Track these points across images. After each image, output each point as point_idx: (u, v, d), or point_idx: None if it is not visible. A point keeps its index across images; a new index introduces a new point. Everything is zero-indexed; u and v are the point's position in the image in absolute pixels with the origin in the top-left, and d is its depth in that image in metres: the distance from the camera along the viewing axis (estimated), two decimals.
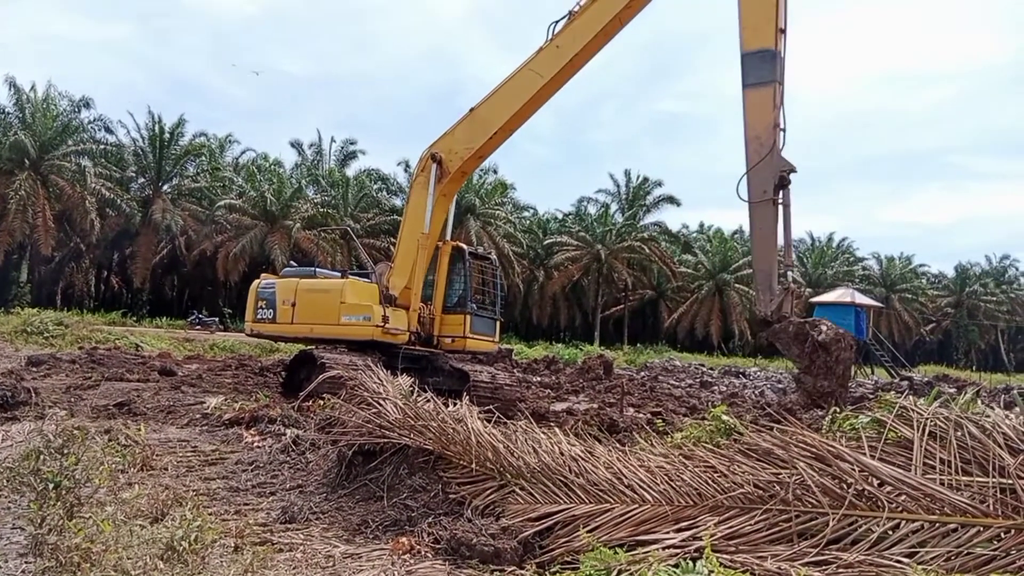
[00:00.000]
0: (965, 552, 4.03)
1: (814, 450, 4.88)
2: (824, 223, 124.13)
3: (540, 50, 14.15)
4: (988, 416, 4.71)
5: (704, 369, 34.30)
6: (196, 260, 50.74)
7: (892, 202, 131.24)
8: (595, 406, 15.41)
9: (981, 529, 4.12)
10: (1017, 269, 78.22)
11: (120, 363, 17.84)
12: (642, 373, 28.02)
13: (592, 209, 63.75)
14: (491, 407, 7.24)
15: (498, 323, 16.41)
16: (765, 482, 4.89)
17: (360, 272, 16.74)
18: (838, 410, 5.83)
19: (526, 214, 64.10)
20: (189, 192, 51.08)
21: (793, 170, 11.94)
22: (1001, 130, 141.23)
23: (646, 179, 62.39)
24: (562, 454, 5.88)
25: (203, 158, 52.80)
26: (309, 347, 14.70)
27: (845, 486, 4.59)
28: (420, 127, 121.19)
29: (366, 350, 14.06)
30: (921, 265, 76.69)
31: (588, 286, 60.90)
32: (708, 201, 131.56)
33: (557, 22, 13.99)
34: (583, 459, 5.70)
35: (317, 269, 16.50)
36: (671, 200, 61.05)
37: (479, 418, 6.42)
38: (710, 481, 5.08)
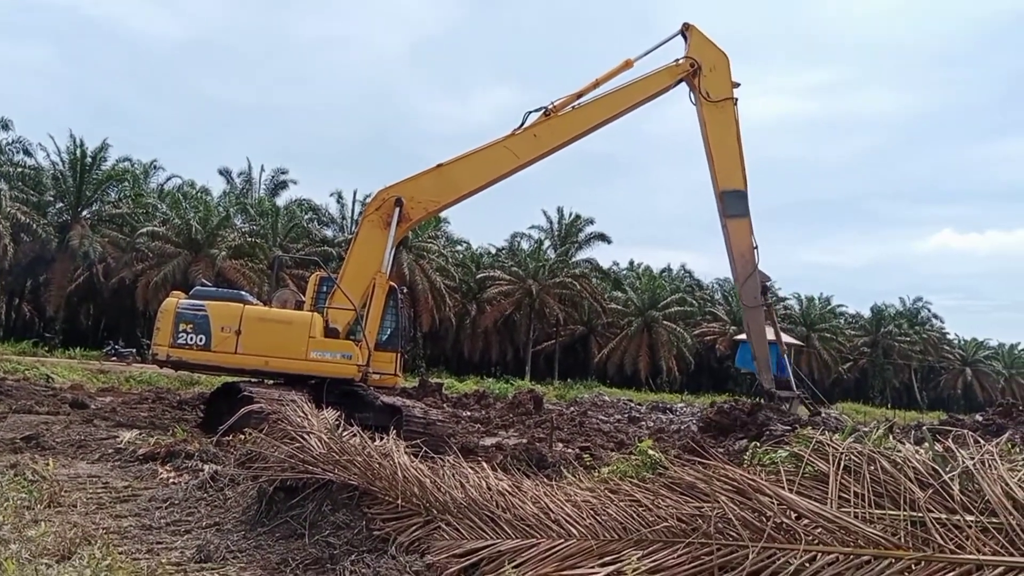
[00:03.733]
0: None
1: (735, 484, 4.96)
2: None
3: (515, 133, 15.15)
4: (899, 451, 4.89)
5: (632, 404, 34.64)
6: (114, 288, 48.89)
7: (810, 245, 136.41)
8: (524, 441, 15.42)
9: (893, 561, 4.25)
10: (929, 311, 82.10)
11: (29, 395, 16.99)
12: (572, 408, 28.14)
13: (525, 245, 64.38)
14: (421, 442, 7.17)
15: (403, 358, 16.61)
16: (688, 516, 4.95)
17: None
18: (757, 444, 5.98)
19: (459, 248, 64.18)
20: (110, 218, 49.34)
21: (769, 279, 16.73)
22: (914, 179, 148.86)
23: (578, 216, 63.44)
24: (489, 489, 5.83)
25: (126, 184, 51.16)
26: (233, 380, 14.29)
27: (764, 519, 4.69)
28: (354, 160, 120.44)
29: (295, 384, 13.77)
30: (839, 305, 79.72)
31: (520, 321, 61.11)
32: (638, 240, 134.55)
33: (532, 112, 15.46)
34: (510, 494, 5.67)
35: (244, 294, 16.09)
36: (602, 238, 62.20)
37: (406, 452, 6.34)
38: (635, 515, 5.11)
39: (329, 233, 54.92)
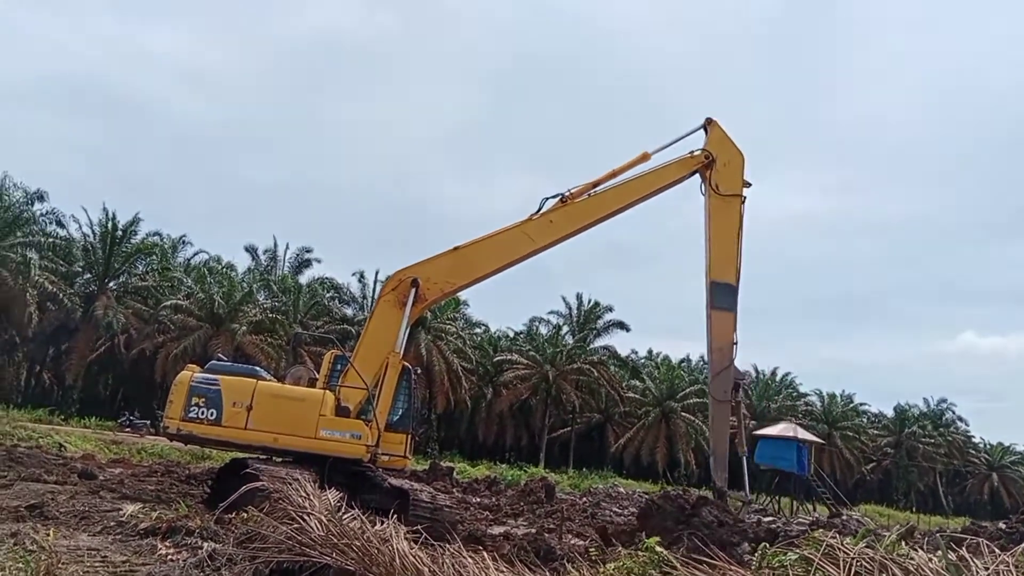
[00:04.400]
0: None
1: None
2: (769, 358, 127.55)
3: (532, 218, 15.55)
4: (912, 558, 4.74)
5: (647, 498, 33.79)
6: (134, 359, 49.24)
7: (832, 341, 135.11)
8: (533, 531, 15.04)
9: None
10: (953, 413, 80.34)
11: (40, 463, 16.94)
12: (584, 499, 27.51)
13: (543, 329, 64.37)
14: (423, 528, 7.03)
15: (414, 440, 16.51)
16: None
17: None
18: (767, 545, 5.81)
19: (477, 330, 64.25)
20: (135, 290, 50.18)
21: (743, 377, 16.40)
22: (936, 279, 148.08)
23: (597, 303, 63.56)
24: None
25: (154, 257, 52.22)
26: (244, 456, 14.17)
27: None
28: (377, 241, 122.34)
29: (305, 462, 13.63)
30: (862, 404, 78.29)
31: (536, 406, 60.50)
32: (657, 329, 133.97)
33: (549, 198, 15.88)
34: None
35: (258, 369, 16.14)
36: (621, 325, 62.04)
37: (406, 538, 6.21)
38: None
39: (349, 312, 55.32)
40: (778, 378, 73.68)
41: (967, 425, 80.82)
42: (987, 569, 4.32)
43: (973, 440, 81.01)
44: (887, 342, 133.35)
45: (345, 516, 6.70)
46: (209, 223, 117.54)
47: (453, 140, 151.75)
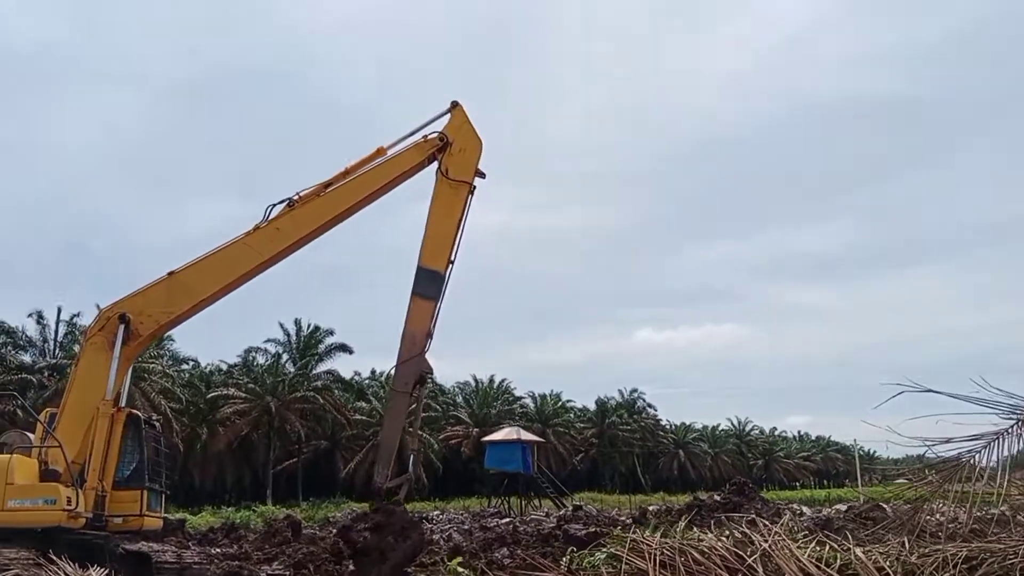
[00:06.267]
0: None
1: None
2: (486, 366, 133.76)
3: (258, 228, 14.24)
4: (703, 541, 5.45)
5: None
6: None
7: (536, 345, 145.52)
8: (289, 572, 14.48)
9: None
10: (644, 400, 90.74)
11: None
12: (328, 529, 26.75)
13: (261, 359, 61.30)
14: None
15: (164, 496, 15.27)
16: None
17: None
18: (574, 549, 6.27)
19: (186, 367, 59.52)
20: None
21: (431, 371, 14.92)
22: (614, 285, 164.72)
23: (317, 328, 62.01)
24: None
25: None
26: None
27: None
28: (52, 275, 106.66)
29: (14, 539, 11.74)
30: (569, 400, 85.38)
31: (258, 440, 57.48)
32: (378, 347, 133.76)
33: (276, 204, 14.50)
34: None
35: None
36: (344, 348, 61.14)
37: None
38: None
39: (27, 359, 48.36)
40: (495, 384, 77.72)
41: (655, 410, 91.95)
42: (766, 541, 5.12)
43: (661, 423, 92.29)
44: (582, 342, 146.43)
45: None
46: None
47: (120, 147, 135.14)
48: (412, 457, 15.55)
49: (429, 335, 14.59)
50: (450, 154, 15.13)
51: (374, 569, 11.52)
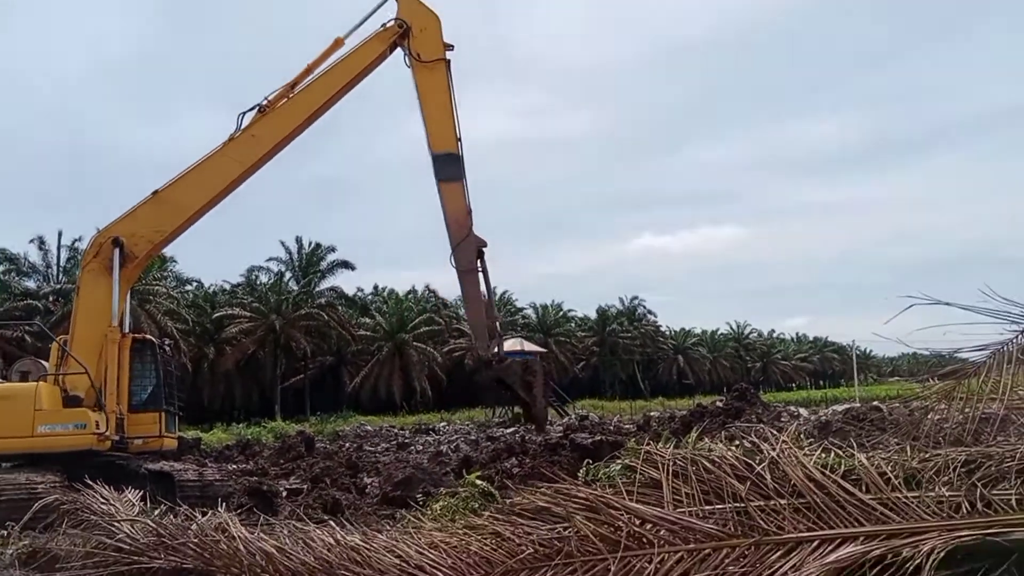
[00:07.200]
0: (722, 573, 4.79)
1: (585, 501, 5.41)
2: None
3: (233, 138, 14.17)
4: (714, 451, 5.64)
5: (396, 431, 34.70)
6: None
7: (537, 257, 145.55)
8: (307, 486, 15.01)
9: (730, 550, 4.93)
10: (645, 307, 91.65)
11: None
12: (339, 443, 27.55)
13: (265, 278, 61.74)
14: (243, 503, 6.81)
15: (177, 416, 15.57)
16: (547, 539, 5.30)
17: None
18: (590, 461, 6.50)
19: (190, 287, 59.93)
20: None
21: (485, 244, 16.03)
22: (609, 191, 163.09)
23: (319, 245, 62.15)
24: (338, 544, 5.73)
25: None
26: None
27: (616, 530, 5.17)
28: (52, 199, 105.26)
29: (41, 463, 12.14)
30: (570, 310, 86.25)
31: (265, 358, 58.37)
32: (380, 262, 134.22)
33: (246, 112, 14.45)
34: (365, 548, 5.63)
35: None
36: (346, 265, 61.49)
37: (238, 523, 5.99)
38: (497, 548, 5.35)
39: (31, 284, 48.59)
40: (498, 296, 78.29)
41: (656, 317, 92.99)
42: (774, 449, 5.30)
43: (661, 329, 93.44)
44: (581, 252, 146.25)
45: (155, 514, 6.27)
46: None
47: (115, 70, 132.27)
48: (497, 322, 17.59)
49: (469, 211, 15.60)
50: (414, 37, 15.31)
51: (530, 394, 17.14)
